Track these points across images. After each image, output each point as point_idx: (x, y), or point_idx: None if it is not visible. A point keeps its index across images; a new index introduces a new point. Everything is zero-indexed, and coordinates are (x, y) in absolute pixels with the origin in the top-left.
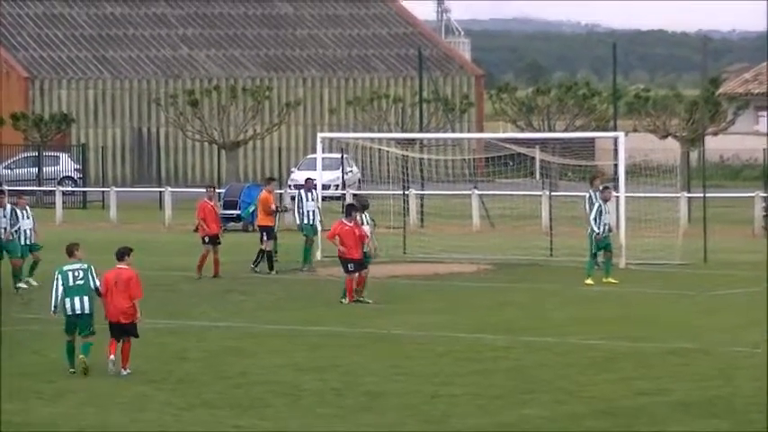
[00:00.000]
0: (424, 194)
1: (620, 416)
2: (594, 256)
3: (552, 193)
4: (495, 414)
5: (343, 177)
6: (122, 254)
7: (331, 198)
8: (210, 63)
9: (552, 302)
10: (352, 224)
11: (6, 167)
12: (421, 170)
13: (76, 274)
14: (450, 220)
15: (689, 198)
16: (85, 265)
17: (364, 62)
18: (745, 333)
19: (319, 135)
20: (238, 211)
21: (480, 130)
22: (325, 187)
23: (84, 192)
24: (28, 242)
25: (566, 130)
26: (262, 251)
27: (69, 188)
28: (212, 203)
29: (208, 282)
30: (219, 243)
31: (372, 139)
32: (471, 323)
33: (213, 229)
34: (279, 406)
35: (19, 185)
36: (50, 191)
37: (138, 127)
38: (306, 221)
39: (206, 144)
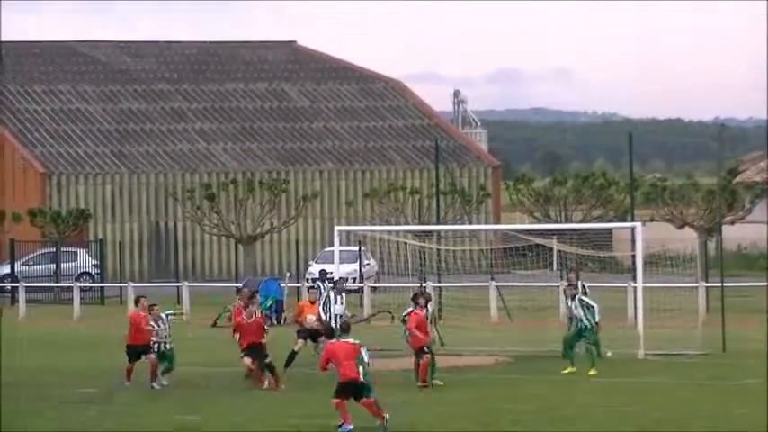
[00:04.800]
0: (441, 286)
1: None
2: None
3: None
4: None
5: (360, 270)
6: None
7: (349, 291)
8: (227, 157)
9: (569, 394)
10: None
11: (24, 264)
12: (438, 262)
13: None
14: (467, 312)
15: (707, 287)
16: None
17: (381, 154)
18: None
19: (336, 228)
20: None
21: (497, 221)
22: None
23: (101, 287)
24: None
25: (583, 221)
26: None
27: (87, 284)
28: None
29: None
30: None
31: (389, 232)
32: (484, 415)
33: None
34: None
35: (36, 282)
36: (68, 287)
37: (155, 221)
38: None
39: (223, 238)
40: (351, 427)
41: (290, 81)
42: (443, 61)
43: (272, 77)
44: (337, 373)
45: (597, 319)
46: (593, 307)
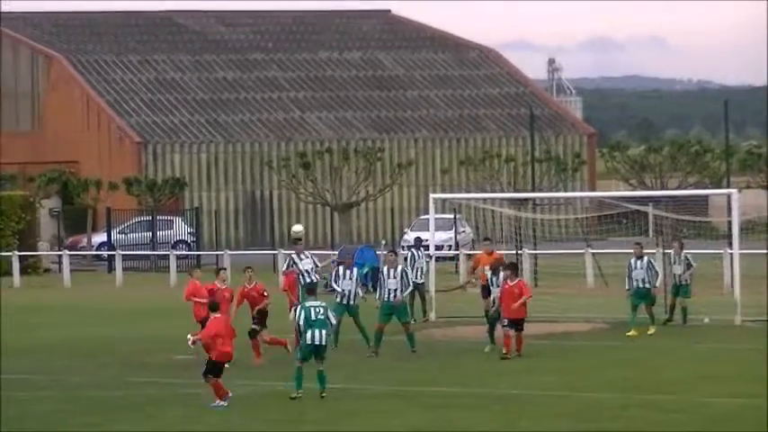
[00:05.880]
0: (537, 254)
1: None
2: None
3: (666, 251)
4: None
5: (456, 238)
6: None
7: (444, 258)
8: (322, 125)
9: (667, 361)
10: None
11: (120, 232)
12: (534, 229)
13: (317, 310)
14: (563, 280)
15: None
16: (324, 304)
17: (475, 122)
18: None
19: (431, 196)
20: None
21: (592, 188)
22: (438, 248)
23: (197, 255)
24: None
25: (678, 188)
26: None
27: (183, 252)
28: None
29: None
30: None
31: (485, 200)
32: (587, 382)
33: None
34: None
35: (133, 250)
36: (164, 255)
37: (250, 190)
38: (417, 278)
39: (319, 206)
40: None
41: (384, 50)
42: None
43: (367, 46)
44: None
45: (657, 284)
46: (658, 273)
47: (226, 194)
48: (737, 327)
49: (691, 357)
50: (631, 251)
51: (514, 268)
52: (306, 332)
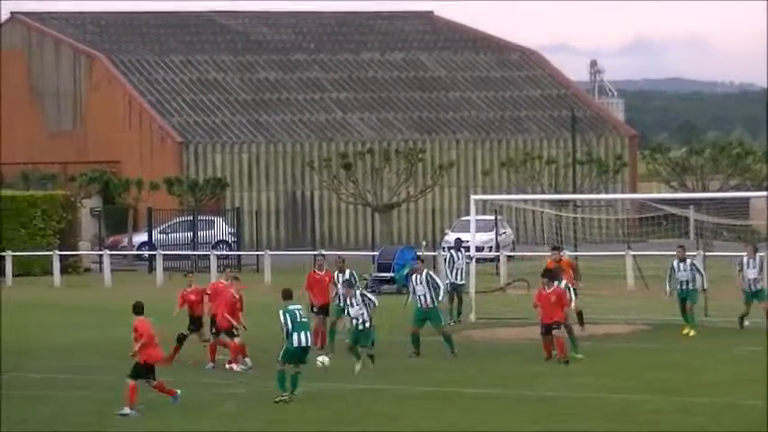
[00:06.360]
0: (577, 255)
1: None
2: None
3: (707, 254)
4: None
5: (497, 239)
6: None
7: (485, 260)
8: (363, 126)
9: (706, 363)
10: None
11: (161, 232)
12: (574, 231)
13: (300, 312)
14: (603, 281)
15: None
16: (300, 306)
17: (517, 124)
18: None
19: (472, 197)
20: (392, 274)
21: (634, 190)
22: (478, 249)
23: (238, 255)
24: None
25: (719, 190)
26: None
27: (224, 252)
28: (322, 274)
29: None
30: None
31: (525, 201)
32: (625, 384)
33: (320, 299)
34: None
35: (173, 250)
36: (205, 255)
37: (292, 190)
38: (456, 280)
39: (360, 207)
40: None
41: (426, 51)
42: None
43: (409, 47)
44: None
45: (705, 286)
46: (702, 274)
47: (267, 195)
48: None
49: (729, 360)
50: (672, 253)
51: (551, 275)
52: (292, 335)
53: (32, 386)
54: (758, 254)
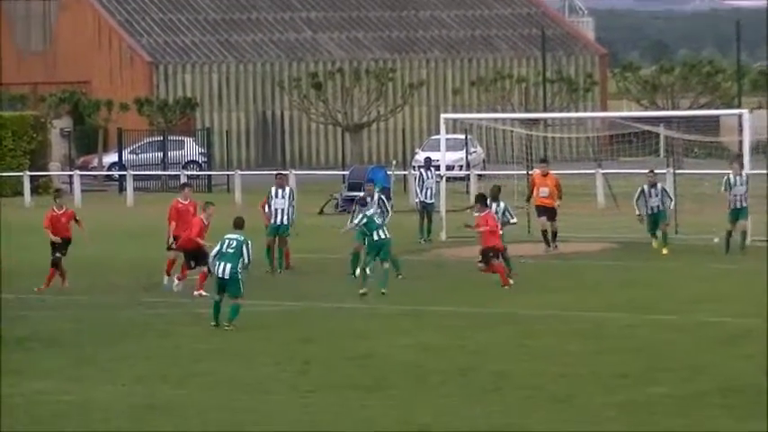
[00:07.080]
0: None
1: (748, 393)
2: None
3: (677, 171)
4: (621, 393)
5: (467, 158)
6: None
7: (454, 179)
8: (334, 46)
9: (677, 280)
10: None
11: (131, 152)
12: (545, 150)
13: (231, 242)
14: (574, 199)
15: None
16: (242, 238)
17: (487, 42)
18: None
19: (443, 116)
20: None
21: (604, 109)
22: (449, 168)
23: (209, 175)
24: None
25: (690, 108)
26: None
27: (194, 172)
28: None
29: (330, 264)
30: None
31: (496, 120)
32: (597, 302)
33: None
34: (404, 387)
35: (143, 170)
36: (175, 175)
37: (262, 110)
38: (426, 198)
39: (330, 126)
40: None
41: None
42: None
43: None
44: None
45: (671, 206)
46: (671, 198)
47: (237, 115)
48: (748, 246)
49: (699, 277)
50: (644, 171)
51: (483, 200)
52: (215, 264)
53: (6, 307)
54: (743, 170)
